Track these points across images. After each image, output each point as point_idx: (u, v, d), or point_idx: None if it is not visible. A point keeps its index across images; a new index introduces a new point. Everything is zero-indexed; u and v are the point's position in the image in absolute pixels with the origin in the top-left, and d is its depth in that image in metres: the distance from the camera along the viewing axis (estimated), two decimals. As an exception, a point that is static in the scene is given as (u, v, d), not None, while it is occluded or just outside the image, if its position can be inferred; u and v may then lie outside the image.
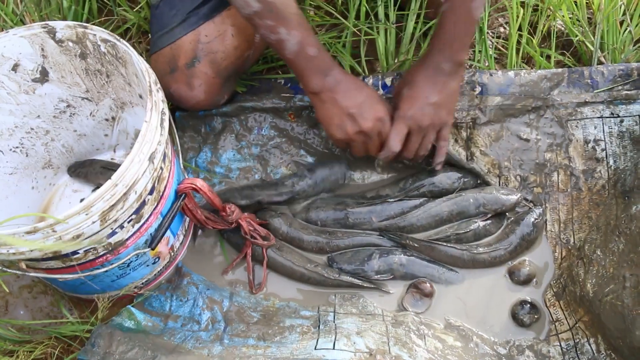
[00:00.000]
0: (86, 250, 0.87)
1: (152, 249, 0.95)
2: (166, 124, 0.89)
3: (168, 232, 1.00)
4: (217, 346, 0.98)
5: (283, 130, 1.23)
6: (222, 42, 1.08)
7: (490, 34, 1.36)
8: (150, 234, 0.95)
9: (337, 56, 1.26)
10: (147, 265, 1.02)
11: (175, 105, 1.17)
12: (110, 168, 1.17)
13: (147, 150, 0.83)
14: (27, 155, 1.12)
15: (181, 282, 1.09)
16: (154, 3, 1.12)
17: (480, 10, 1.04)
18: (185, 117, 1.22)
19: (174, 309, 1.06)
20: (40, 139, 1.13)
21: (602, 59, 1.27)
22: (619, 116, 1.17)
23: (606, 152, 1.17)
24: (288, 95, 1.21)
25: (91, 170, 1.19)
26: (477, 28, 1.07)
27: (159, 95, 0.88)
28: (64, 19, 1.27)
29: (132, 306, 1.03)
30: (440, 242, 1.13)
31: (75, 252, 0.86)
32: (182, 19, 1.08)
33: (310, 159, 1.23)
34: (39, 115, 1.09)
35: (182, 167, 1.07)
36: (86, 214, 0.79)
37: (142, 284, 1.05)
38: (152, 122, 0.85)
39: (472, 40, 1.11)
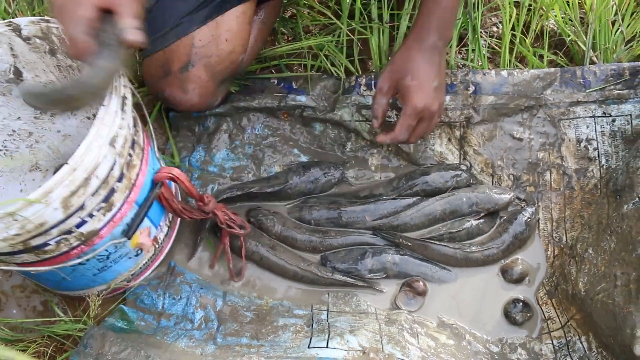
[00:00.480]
0: (57, 241, 0.85)
1: (129, 239, 0.94)
2: (128, 108, 0.87)
3: (149, 223, 0.99)
4: (210, 345, 0.98)
5: (276, 129, 1.23)
6: (216, 47, 1.08)
7: (484, 33, 1.37)
8: (127, 223, 0.94)
9: (329, 55, 1.27)
10: (130, 258, 1.01)
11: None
12: None
13: (106, 134, 0.82)
14: (11, 158, 1.11)
15: (174, 281, 1.09)
16: (147, 7, 1.12)
17: None
18: (179, 117, 1.22)
19: (167, 307, 1.06)
20: (24, 141, 1.12)
21: (594, 59, 1.28)
22: (610, 116, 1.17)
23: (598, 152, 1.17)
24: (281, 94, 1.21)
25: None
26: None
27: (120, 81, 0.87)
28: (57, 17, 1.27)
29: (125, 305, 1.03)
30: (433, 241, 1.13)
31: (46, 244, 0.85)
32: (176, 24, 1.08)
33: (303, 158, 1.23)
34: (19, 117, 1.08)
35: (157, 155, 1.05)
36: (45, 200, 0.77)
37: (130, 277, 1.04)
38: (111, 105, 0.83)
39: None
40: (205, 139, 1.22)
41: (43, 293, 1.10)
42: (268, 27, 1.23)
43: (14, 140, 1.10)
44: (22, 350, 0.98)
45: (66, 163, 1.15)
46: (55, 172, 1.17)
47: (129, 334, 0.97)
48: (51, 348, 1.00)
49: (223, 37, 1.09)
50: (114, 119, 0.83)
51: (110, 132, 0.83)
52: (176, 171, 0.97)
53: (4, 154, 1.10)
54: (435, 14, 1.04)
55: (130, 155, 0.89)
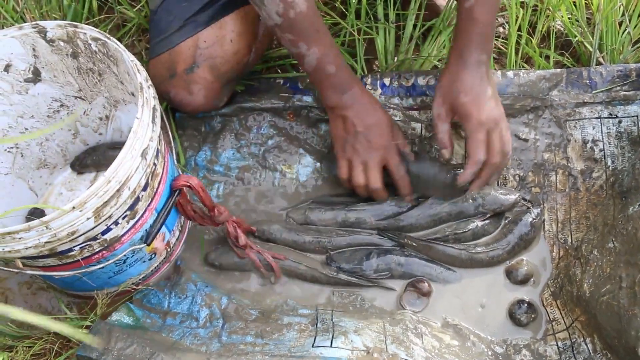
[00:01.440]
0: (82, 247, 0.87)
1: (148, 245, 0.95)
2: (158, 120, 0.89)
3: (163, 228, 1.01)
4: (215, 343, 0.98)
5: (282, 129, 1.23)
6: (221, 48, 1.09)
7: (490, 34, 1.37)
8: (146, 230, 0.95)
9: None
10: (144, 262, 1.02)
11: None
12: (117, 147, 1.17)
13: (139, 146, 0.84)
14: (22, 156, 1.13)
15: (180, 279, 1.10)
16: (152, 9, 1.13)
17: None
18: (185, 117, 1.23)
19: (173, 305, 1.06)
20: (34, 139, 1.13)
21: (601, 60, 1.28)
22: (617, 117, 1.17)
23: (604, 153, 1.17)
24: (287, 95, 1.21)
25: (99, 156, 1.19)
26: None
27: (150, 92, 0.89)
28: (64, 16, 1.28)
29: (131, 303, 1.04)
30: (438, 242, 1.13)
31: (70, 249, 0.86)
32: (181, 25, 1.09)
33: (309, 158, 1.23)
34: (32, 115, 1.09)
35: (175, 163, 1.07)
36: (80, 211, 0.79)
37: (140, 280, 1.05)
38: (144, 118, 0.85)
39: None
40: (211, 138, 1.23)
41: (51, 291, 1.11)
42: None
43: None
44: (29, 347, 0.99)
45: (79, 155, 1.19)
46: (71, 167, 1.19)
47: (134, 330, 0.97)
48: (57, 345, 1.00)
49: (228, 37, 1.09)
50: (146, 131, 0.85)
51: (143, 144, 0.85)
52: (194, 180, 0.99)
53: (15, 151, 1.11)
54: (474, 31, 1.04)
55: (155, 164, 0.91)
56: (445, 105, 1.08)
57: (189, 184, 0.98)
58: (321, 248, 1.14)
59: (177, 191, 0.99)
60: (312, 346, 0.94)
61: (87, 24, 1.29)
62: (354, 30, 1.26)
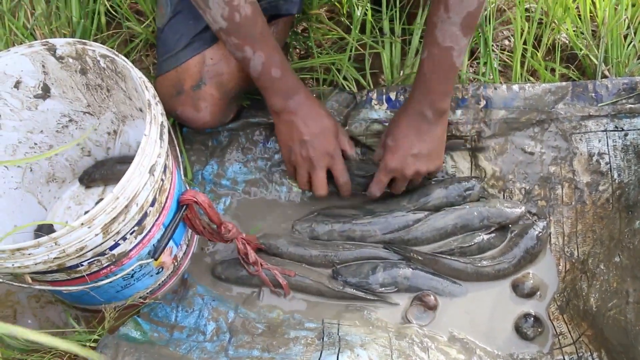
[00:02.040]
0: (90, 262, 0.88)
1: (156, 260, 0.96)
2: (165, 137, 0.90)
3: (171, 243, 1.01)
4: (222, 357, 0.99)
5: (288, 143, 1.24)
6: (228, 65, 1.10)
7: (495, 46, 1.37)
8: (153, 244, 0.96)
9: (340, 70, 1.28)
10: (151, 276, 1.03)
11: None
12: (125, 161, 1.18)
13: (147, 163, 0.85)
14: (31, 170, 1.14)
15: (187, 293, 1.10)
16: (159, 27, 1.14)
17: (461, 59, 1.02)
18: (192, 132, 1.24)
19: (180, 319, 1.07)
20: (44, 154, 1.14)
21: (607, 73, 1.28)
22: (623, 130, 1.17)
23: (610, 166, 1.17)
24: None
25: (107, 170, 1.20)
26: (458, 75, 1.06)
27: (158, 109, 0.90)
28: (73, 33, 1.30)
29: (138, 316, 1.04)
30: (444, 256, 1.14)
31: (79, 265, 0.87)
32: (187, 43, 1.10)
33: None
34: (42, 131, 1.10)
35: (182, 177, 1.08)
36: (89, 227, 0.80)
37: (147, 293, 1.06)
38: (152, 135, 0.86)
39: (453, 87, 1.10)
40: (218, 152, 1.23)
41: (59, 305, 1.12)
42: (280, 43, 1.24)
43: (35, 152, 1.12)
44: (37, 361, 0.99)
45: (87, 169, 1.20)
46: (80, 182, 1.20)
47: (142, 344, 0.98)
48: (65, 358, 1.01)
49: None
50: (154, 148, 0.86)
51: (151, 161, 0.85)
52: (201, 196, 0.99)
53: (25, 166, 1.12)
54: (418, 83, 1.07)
55: (162, 180, 0.92)
56: (381, 144, 1.14)
57: (195, 200, 0.99)
58: (327, 262, 1.14)
59: (185, 206, 0.99)
60: (319, 361, 0.94)
61: (96, 39, 1.31)
62: (358, 46, 1.27)
